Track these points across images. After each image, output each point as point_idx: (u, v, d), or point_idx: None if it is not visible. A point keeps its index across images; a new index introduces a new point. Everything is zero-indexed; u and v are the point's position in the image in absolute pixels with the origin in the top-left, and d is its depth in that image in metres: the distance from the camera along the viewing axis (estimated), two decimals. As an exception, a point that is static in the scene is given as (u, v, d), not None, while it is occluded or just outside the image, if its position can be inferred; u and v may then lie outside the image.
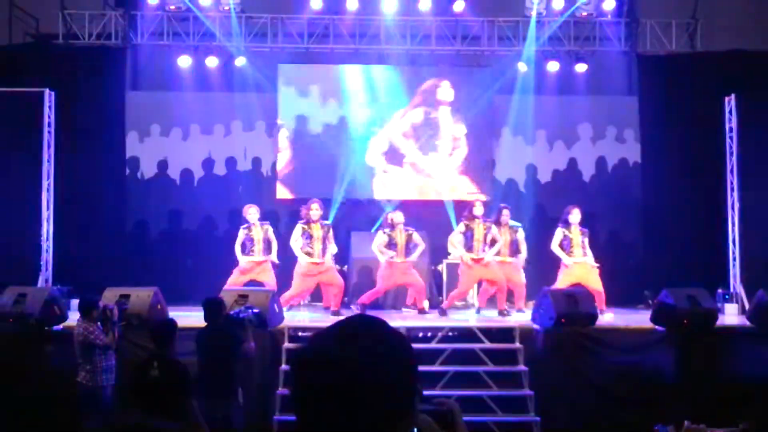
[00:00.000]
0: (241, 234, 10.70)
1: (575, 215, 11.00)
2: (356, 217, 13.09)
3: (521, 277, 11.19)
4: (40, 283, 10.92)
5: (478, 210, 10.91)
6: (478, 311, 11.11)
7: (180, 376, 6.08)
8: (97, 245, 12.13)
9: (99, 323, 7.41)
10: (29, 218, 11.36)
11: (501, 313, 10.58)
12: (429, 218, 12.54)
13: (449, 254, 12.08)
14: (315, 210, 10.59)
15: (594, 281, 10.62)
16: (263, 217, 11.06)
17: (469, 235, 10.80)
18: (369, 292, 10.81)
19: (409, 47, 13.65)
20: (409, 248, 10.79)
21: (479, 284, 11.29)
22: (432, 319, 10.39)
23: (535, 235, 12.04)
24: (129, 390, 6.19)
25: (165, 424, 5.64)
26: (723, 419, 5.70)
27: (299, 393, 1.45)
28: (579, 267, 10.72)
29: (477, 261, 10.71)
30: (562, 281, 10.62)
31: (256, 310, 7.95)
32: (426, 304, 11.31)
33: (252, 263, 10.60)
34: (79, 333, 7.35)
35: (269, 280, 10.50)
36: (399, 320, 9.81)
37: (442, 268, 12.43)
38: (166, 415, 5.84)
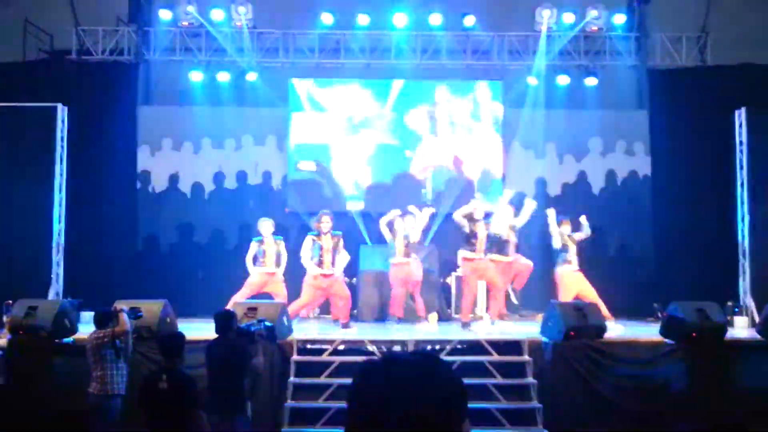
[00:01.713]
0: (254, 246, 10.74)
1: (565, 227, 11.05)
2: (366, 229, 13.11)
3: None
4: (51, 295, 11.00)
5: (479, 213, 10.89)
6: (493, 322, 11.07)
7: (188, 389, 6.12)
8: (108, 258, 12.24)
9: None
10: (41, 231, 11.46)
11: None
12: (438, 231, 12.56)
13: (458, 267, 12.09)
14: (326, 222, 10.62)
15: (590, 292, 10.67)
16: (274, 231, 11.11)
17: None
18: (294, 303, 10.50)
19: (420, 61, 13.73)
20: (335, 254, 10.60)
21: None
22: (441, 332, 10.39)
23: (545, 247, 12.00)
24: (138, 402, 6.22)
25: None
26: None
27: (357, 409, 1.60)
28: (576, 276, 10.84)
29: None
30: (567, 294, 10.64)
31: (268, 324, 7.97)
32: (435, 317, 11.33)
33: (263, 275, 10.63)
34: (91, 339, 7.37)
35: (280, 291, 10.52)
36: (406, 333, 9.82)
37: (451, 280, 12.44)
38: (174, 428, 5.90)
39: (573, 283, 10.77)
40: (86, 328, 9.60)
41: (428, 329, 10.76)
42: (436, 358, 1.70)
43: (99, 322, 7.44)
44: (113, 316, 7.43)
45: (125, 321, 7.35)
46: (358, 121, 13.78)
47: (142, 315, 7.94)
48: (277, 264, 10.71)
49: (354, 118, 13.78)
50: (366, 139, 13.78)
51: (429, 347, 9.28)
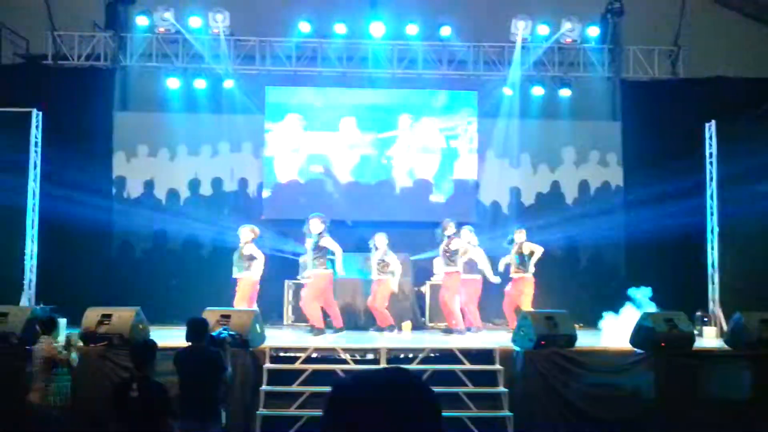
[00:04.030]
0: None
1: (520, 235, 11.53)
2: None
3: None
4: (23, 302, 10.93)
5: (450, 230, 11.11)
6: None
7: (160, 397, 6.12)
8: (82, 264, 12.19)
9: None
10: (14, 237, 11.38)
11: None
12: (411, 240, 12.65)
13: (433, 275, 12.20)
14: (314, 225, 10.72)
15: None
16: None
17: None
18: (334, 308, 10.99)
19: (396, 71, 13.82)
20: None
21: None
22: (414, 341, 10.46)
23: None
24: (109, 410, 6.22)
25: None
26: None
27: (331, 424, 1.61)
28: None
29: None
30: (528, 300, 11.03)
31: (232, 332, 7.96)
32: (409, 325, 11.41)
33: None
34: (41, 348, 7.39)
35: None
36: (381, 342, 9.87)
37: (425, 289, 12.52)
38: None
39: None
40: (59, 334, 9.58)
41: (402, 337, 10.83)
42: (406, 374, 1.68)
43: (46, 327, 7.53)
44: (56, 323, 7.55)
45: (73, 358, 7.48)
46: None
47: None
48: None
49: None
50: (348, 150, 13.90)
51: (402, 355, 9.33)
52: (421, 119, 14.00)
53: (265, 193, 13.75)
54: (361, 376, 1.68)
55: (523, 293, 11.27)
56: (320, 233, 10.62)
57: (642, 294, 10.71)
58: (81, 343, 7.77)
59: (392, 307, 11.44)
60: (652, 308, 10.20)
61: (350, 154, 13.90)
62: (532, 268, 11.34)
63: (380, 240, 11.26)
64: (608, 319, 10.51)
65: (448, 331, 11.01)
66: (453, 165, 13.98)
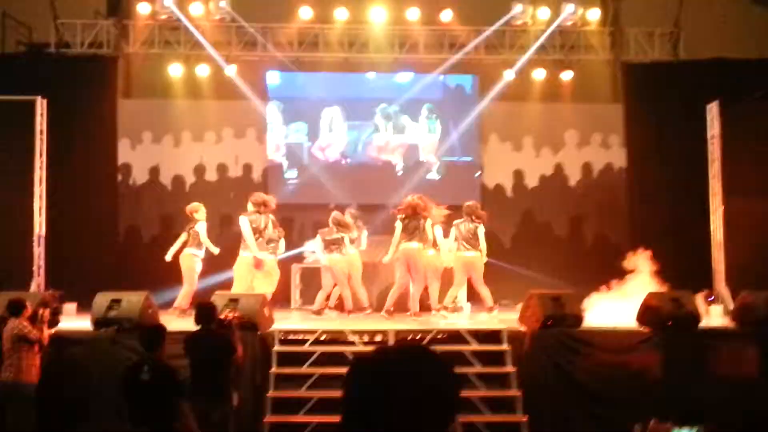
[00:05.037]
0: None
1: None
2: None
3: None
4: (33, 288, 10.98)
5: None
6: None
7: (170, 380, 6.16)
8: (90, 250, 12.23)
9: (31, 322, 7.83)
10: (22, 224, 11.42)
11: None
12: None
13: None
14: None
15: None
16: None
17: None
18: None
19: (398, 55, 13.83)
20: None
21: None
22: (422, 322, 10.50)
23: (525, 238, 12.17)
24: (120, 393, 6.27)
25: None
26: (706, 418, 5.83)
27: (352, 396, 1.65)
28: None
29: None
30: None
31: (237, 314, 8.04)
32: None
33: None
34: (12, 327, 7.71)
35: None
36: (388, 323, 9.92)
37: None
38: (156, 419, 5.93)
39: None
40: (68, 319, 9.65)
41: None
42: (426, 350, 1.72)
43: (13, 309, 7.83)
44: (24, 306, 7.82)
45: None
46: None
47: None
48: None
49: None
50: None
51: (410, 337, 9.39)
52: (420, 102, 13.99)
53: (269, 178, 13.77)
54: (381, 350, 1.73)
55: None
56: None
57: (646, 275, 10.75)
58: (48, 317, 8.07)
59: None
60: (656, 288, 10.24)
61: (350, 136, 13.92)
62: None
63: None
64: (595, 296, 10.47)
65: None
66: (449, 146, 13.96)
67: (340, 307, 10.85)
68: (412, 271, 10.45)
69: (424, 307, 10.68)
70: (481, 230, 10.62)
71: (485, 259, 10.69)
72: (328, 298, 10.84)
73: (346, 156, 14.00)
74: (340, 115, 13.98)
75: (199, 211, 10.71)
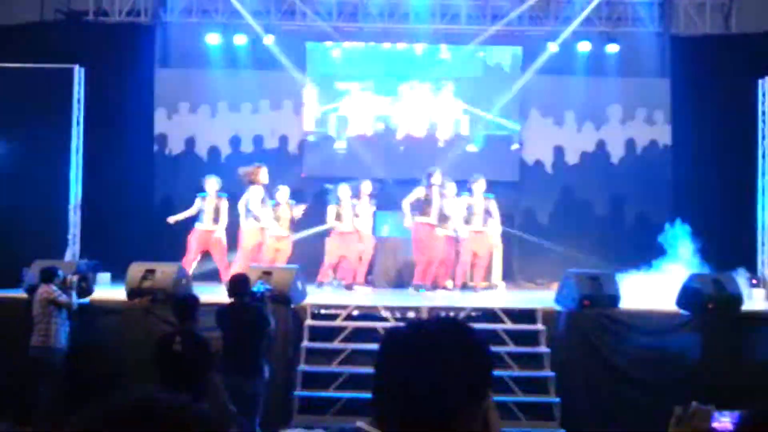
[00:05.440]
0: (197, 203, 10.97)
1: (480, 184, 11.11)
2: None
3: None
4: (68, 257, 11.07)
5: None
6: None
7: (203, 351, 6.16)
8: (125, 220, 12.29)
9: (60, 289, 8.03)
10: (58, 193, 11.51)
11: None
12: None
13: None
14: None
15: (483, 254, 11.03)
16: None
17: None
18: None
19: (439, 26, 13.58)
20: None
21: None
22: (456, 299, 10.39)
23: (563, 216, 11.91)
24: (152, 363, 6.27)
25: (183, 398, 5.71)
26: (745, 405, 5.64)
27: (383, 376, 1.62)
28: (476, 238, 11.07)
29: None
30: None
31: (268, 287, 8.00)
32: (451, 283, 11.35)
33: (202, 233, 10.84)
34: (40, 293, 7.93)
35: (218, 250, 10.80)
36: (424, 300, 9.82)
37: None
38: (188, 389, 5.92)
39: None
40: (102, 289, 9.71)
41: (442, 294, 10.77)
42: (462, 324, 1.69)
43: (45, 277, 8.04)
44: (56, 273, 8.03)
45: (71, 302, 8.02)
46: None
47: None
48: (215, 222, 10.74)
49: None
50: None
51: (443, 314, 9.28)
52: (459, 79, 13.73)
53: (305, 151, 13.69)
54: (414, 323, 1.70)
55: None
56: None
57: (687, 256, 10.50)
58: (76, 283, 8.27)
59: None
60: (698, 269, 9.99)
61: (384, 111, 13.74)
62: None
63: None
64: (634, 276, 10.25)
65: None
66: (489, 121, 13.72)
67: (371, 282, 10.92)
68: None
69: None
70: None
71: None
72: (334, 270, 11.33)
73: (381, 130, 13.81)
74: (376, 89, 13.78)
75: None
